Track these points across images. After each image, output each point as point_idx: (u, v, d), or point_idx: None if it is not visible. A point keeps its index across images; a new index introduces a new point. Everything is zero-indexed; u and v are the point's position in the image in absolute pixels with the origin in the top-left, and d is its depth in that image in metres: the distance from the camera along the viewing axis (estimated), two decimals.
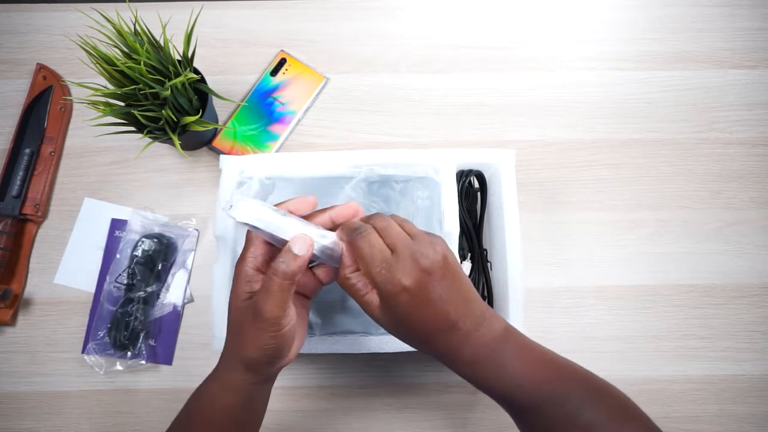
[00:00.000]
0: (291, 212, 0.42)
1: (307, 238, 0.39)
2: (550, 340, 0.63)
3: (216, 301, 0.54)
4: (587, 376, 0.40)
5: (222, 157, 0.57)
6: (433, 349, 0.40)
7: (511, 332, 0.41)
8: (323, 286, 0.45)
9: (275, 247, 0.42)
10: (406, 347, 0.53)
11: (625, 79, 0.71)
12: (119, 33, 0.53)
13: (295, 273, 0.38)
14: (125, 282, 0.62)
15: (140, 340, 0.61)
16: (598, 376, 0.41)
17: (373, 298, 0.39)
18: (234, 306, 0.41)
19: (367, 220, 0.42)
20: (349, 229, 0.40)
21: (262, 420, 0.46)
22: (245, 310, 0.40)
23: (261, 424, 0.46)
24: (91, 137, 0.67)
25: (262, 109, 0.69)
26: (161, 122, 0.56)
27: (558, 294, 0.64)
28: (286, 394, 0.61)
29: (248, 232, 0.42)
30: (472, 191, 0.63)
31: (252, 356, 0.40)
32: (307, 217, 0.43)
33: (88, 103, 0.54)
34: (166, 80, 0.54)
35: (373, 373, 0.62)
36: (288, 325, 0.39)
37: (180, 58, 0.58)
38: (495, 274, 0.61)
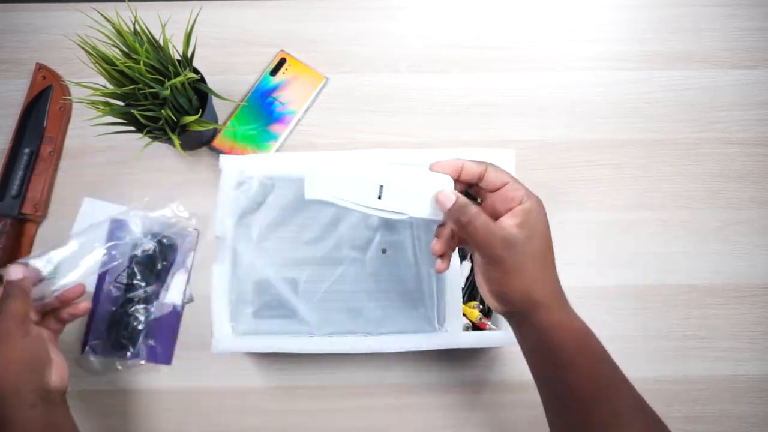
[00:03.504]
0: None
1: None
2: None
3: (216, 301, 0.54)
4: (633, 391, 0.41)
5: (222, 157, 0.57)
6: (547, 280, 0.41)
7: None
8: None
9: None
10: (406, 347, 0.53)
11: (625, 79, 0.71)
12: (119, 33, 0.53)
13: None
14: (125, 282, 0.62)
15: (140, 340, 0.61)
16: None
17: (506, 220, 0.40)
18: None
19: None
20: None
21: None
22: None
23: None
24: (91, 137, 0.67)
25: (262, 108, 0.69)
26: (161, 122, 0.56)
27: None
28: (285, 394, 0.61)
29: None
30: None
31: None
32: None
33: (88, 103, 0.54)
34: (166, 80, 0.54)
35: (373, 373, 0.62)
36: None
37: (180, 58, 0.58)
38: None
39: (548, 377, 0.42)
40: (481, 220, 0.39)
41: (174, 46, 0.56)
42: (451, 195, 0.41)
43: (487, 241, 0.39)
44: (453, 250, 0.46)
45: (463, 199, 0.40)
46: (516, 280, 0.39)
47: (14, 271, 0.48)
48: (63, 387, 0.48)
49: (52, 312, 0.53)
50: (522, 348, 0.43)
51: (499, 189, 0.41)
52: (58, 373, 0.47)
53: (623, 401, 0.39)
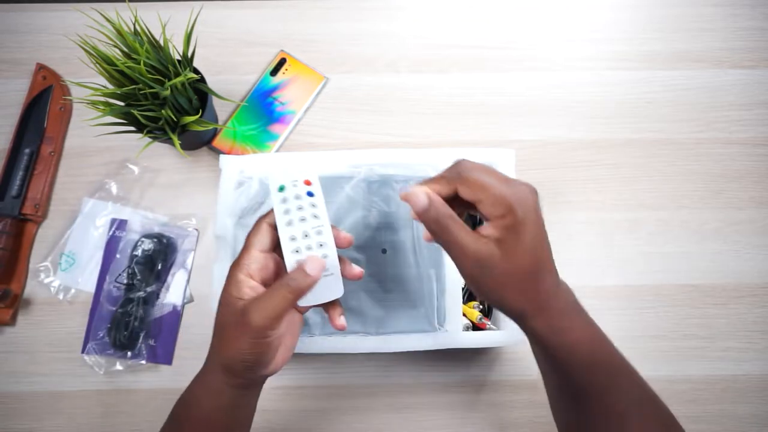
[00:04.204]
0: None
1: (322, 261, 0.40)
2: None
3: (216, 301, 0.54)
4: (642, 384, 0.40)
5: (222, 157, 0.57)
6: (531, 293, 0.37)
7: (580, 304, 0.40)
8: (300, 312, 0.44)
9: (271, 256, 0.42)
10: (406, 347, 0.53)
11: (625, 79, 0.71)
12: (119, 33, 0.53)
13: (303, 290, 0.39)
14: (125, 282, 0.62)
15: (140, 340, 0.61)
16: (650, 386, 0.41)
17: (492, 228, 0.36)
18: (223, 307, 0.41)
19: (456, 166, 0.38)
20: (463, 167, 0.37)
21: (248, 428, 0.46)
22: (233, 313, 0.39)
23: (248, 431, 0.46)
24: (91, 137, 0.67)
25: (262, 109, 0.69)
26: (161, 122, 0.56)
27: None
28: (285, 393, 0.61)
29: (248, 236, 0.42)
30: None
31: (231, 359, 0.40)
32: None
33: (88, 103, 0.54)
34: (166, 80, 0.54)
35: (373, 373, 0.62)
36: (273, 336, 0.39)
37: (180, 58, 0.58)
38: None
39: (548, 372, 0.42)
40: (455, 237, 0.36)
41: (174, 46, 0.57)
42: (421, 196, 0.37)
43: (459, 259, 0.37)
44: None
45: (436, 205, 0.37)
46: (494, 295, 0.37)
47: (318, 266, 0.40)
48: (270, 374, 0.43)
49: None
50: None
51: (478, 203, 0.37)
52: (272, 365, 0.42)
53: (625, 398, 0.39)
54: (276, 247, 0.42)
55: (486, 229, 0.37)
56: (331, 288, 0.42)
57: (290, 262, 0.41)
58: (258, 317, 0.38)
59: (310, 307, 0.43)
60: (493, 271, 0.36)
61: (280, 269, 0.43)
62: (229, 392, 0.41)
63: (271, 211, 0.42)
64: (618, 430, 0.39)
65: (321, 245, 0.41)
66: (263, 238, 0.41)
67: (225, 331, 0.40)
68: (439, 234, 0.37)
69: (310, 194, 0.40)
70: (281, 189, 0.41)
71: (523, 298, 0.37)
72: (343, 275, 0.42)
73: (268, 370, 0.41)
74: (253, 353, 0.39)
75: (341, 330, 0.44)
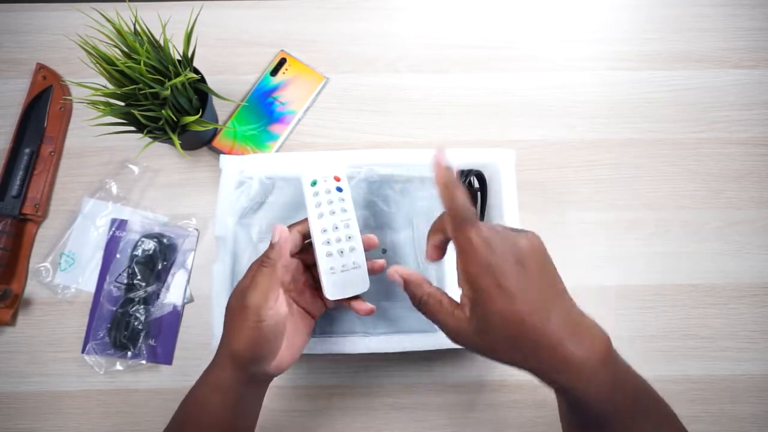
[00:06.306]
0: None
1: (283, 229, 0.43)
2: None
3: (216, 301, 0.54)
4: (660, 401, 0.38)
5: (222, 157, 0.57)
6: (539, 353, 0.34)
7: (612, 348, 0.36)
8: (327, 309, 0.49)
9: (295, 260, 0.46)
10: (406, 347, 0.53)
11: (625, 79, 0.71)
12: (119, 33, 0.53)
13: (273, 260, 0.42)
14: (125, 282, 0.62)
15: (140, 340, 0.61)
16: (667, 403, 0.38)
17: (464, 305, 0.36)
18: (230, 298, 0.43)
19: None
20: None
21: (253, 428, 0.47)
22: (236, 301, 0.42)
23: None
24: (91, 137, 0.67)
25: (262, 109, 0.69)
26: (161, 122, 0.56)
27: None
28: (285, 393, 0.61)
29: (273, 238, 0.44)
30: (472, 191, 0.63)
31: (236, 348, 0.41)
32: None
33: (88, 103, 0.54)
34: (166, 80, 0.54)
35: (373, 373, 0.62)
36: (269, 319, 0.40)
37: (180, 58, 0.58)
38: None
39: (568, 415, 0.39)
40: (432, 308, 0.38)
41: (174, 46, 0.57)
42: (398, 274, 0.40)
43: (440, 326, 0.38)
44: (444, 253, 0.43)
45: (414, 279, 0.39)
46: (493, 357, 0.36)
47: (277, 232, 0.43)
48: (276, 373, 0.44)
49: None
50: None
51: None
52: (277, 362, 0.43)
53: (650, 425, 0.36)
54: (300, 252, 0.46)
55: (460, 303, 0.37)
56: (357, 282, 0.45)
57: (321, 252, 0.44)
58: (251, 297, 0.41)
59: (339, 301, 0.45)
60: (470, 341, 0.36)
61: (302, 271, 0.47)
62: (236, 389, 0.42)
63: (304, 221, 0.46)
64: None
65: (349, 237, 0.44)
66: (292, 242, 0.44)
67: (230, 320, 0.42)
68: (426, 315, 0.39)
69: (339, 189, 0.44)
70: (313, 183, 0.45)
71: (520, 359, 0.35)
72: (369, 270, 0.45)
73: (272, 366, 0.42)
74: (255, 338, 0.40)
75: (369, 313, 0.45)
